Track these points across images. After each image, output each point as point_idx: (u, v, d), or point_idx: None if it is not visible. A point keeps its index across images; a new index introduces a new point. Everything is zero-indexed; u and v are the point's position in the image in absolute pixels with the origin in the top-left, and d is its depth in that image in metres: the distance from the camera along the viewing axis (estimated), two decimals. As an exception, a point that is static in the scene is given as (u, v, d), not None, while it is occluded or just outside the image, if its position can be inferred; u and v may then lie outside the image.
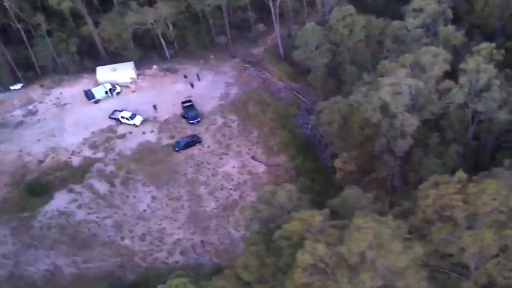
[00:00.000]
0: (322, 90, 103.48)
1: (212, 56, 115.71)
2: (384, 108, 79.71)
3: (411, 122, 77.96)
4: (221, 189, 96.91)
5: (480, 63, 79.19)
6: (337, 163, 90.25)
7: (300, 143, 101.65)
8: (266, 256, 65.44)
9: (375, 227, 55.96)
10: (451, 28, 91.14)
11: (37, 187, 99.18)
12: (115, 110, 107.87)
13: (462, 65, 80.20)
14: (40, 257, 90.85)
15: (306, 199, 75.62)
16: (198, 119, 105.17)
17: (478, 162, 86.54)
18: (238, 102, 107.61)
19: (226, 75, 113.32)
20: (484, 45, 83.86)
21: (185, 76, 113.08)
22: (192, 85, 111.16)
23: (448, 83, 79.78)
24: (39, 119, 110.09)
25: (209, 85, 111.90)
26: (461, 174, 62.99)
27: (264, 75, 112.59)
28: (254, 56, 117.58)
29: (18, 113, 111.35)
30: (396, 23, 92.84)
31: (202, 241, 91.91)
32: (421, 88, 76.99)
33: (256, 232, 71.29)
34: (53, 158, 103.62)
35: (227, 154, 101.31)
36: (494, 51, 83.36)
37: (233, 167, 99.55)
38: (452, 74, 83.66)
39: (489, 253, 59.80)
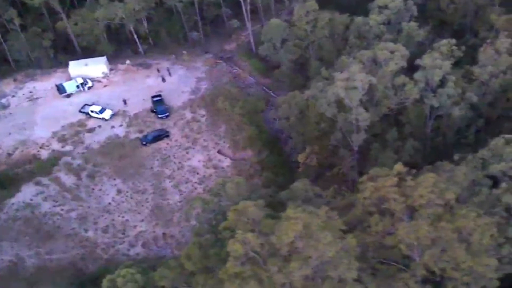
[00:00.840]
0: (290, 86, 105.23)
1: (184, 52, 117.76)
2: (340, 103, 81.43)
3: (365, 117, 79.54)
4: (186, 183, 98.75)
5: (436, 59, 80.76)
6: (300, 157, 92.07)
7: (266, 138, 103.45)
8: (210, 246, 67.43)
9: (305, 218, 57.73)
10: (414, 24, 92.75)
11: (4, 179, 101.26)
12: (85, 104, 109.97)
13: (418, 61, 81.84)
14: (4, 249, 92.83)
15: (258, 192, 77.69)
16: (167, 114, 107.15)
17: (439, 158, 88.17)
18: (207, 97, 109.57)
19: (198, 71, 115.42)
20: (444, 41, 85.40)
21: (158, 70, 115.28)
22: (163, 79, 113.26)
23: (403, 78, 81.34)
24: (10, 113, 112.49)
25: (180, 80, 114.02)
26: (399, 168, 64.69)
27: (235, 71, 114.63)
28: (227, 51, 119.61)
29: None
30: (359, 19, 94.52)
31: (164, 234, 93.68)
32: (374, 83, 78.54)
33: (205, 223, 73.43)
34: (22, 151, 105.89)
35: (194, 148, 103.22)
36: (454, 47, 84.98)
37: (199, 161, 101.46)
38: (414, 70, 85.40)
39: (425, 244, 61.50)
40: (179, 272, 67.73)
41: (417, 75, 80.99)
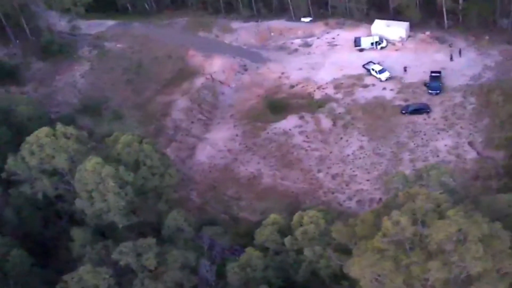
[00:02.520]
0: None
1: (487, 37, 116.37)
2: None
3: None
4: (423, 161, 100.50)
5: None
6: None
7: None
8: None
9: (463, 223, 58.69)
10: None
11: (279, 106, 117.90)
12: (370, 62, 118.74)
13: None
14: (253, 162, 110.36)
15: (457, 194, 77.61)
16: (438, 91, 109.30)
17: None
18: (485, 87, 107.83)
19: (489, 59, 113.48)
20: None
21: (450, 46, 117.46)
22: (451, 58, 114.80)
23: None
24: (309, 52, 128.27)
25: (467, 63, 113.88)
26: None
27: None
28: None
29: (297, 42, 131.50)
30: None
31: (380, 199, 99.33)
32: None
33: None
34: (302, 87, 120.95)
35: (447, 131, 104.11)
36: None
37: (445, 145, 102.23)
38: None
39: None
40: (352, 232, 73.60)
41: None
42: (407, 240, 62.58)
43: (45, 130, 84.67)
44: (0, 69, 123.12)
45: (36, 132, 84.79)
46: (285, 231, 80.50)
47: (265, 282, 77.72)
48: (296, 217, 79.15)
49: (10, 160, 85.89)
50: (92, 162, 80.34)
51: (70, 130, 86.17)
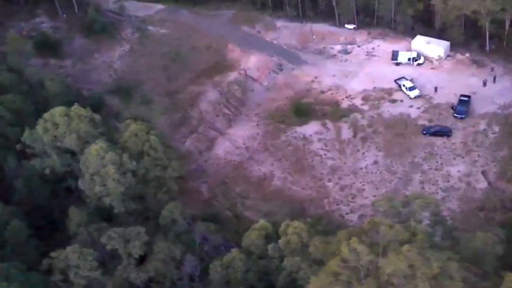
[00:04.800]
0: None
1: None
2: None
3: None
4: (432, 184, 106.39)
5: None
6: None
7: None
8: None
9: (415, 261, 65.33)
10: None
11: (303, 110, 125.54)
12: (403, 77, 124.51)
13: None
14: (266, 163, 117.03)
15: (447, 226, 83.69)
16: (463, 116, 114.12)
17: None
18: (511, 118, 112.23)
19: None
20: None
21: (491, 70, 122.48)
22: (484, 83, 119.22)
23: None
24: (347, 59, 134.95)
25: (500, 91, 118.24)
26: None
27: None
28: None
29: (337, 48, 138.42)
30: None
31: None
32: None
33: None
34: (331, 93, 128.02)
35: (462, 158, 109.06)
36: None
37: (458, 171, 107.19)
38: None
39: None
40: (327, 249, 78.66)
41: None
42: (363, 268, 69.50)
43: (60, 109, 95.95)
44: (43, 41, 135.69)
45: (51, 110, 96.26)
46: (272, 237, 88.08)
47: (245, 284, 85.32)
48: (283, 226, 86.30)
49: (26, 133, 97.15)
50: (96, 147, 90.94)
51: (84, 112, 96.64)
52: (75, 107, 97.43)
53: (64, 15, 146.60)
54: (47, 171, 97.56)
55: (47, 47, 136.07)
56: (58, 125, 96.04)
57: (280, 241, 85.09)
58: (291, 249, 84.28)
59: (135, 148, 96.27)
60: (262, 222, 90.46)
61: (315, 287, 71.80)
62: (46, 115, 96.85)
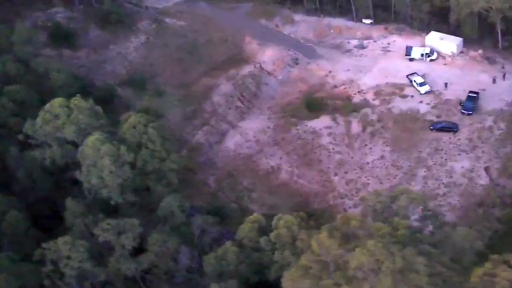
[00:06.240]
0: None
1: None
2: None
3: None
4: (435, 179, 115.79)
5: None
6: None
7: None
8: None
9: (378, 253, 73.03)
10: None
11: (315, 104, 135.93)
12: (414, 73, 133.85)
13: None
14: (275, 155, 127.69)
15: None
16: (471, 112, 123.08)
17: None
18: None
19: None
20: None
21: (502, 67, 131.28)
22: (494, 80, 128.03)
23: None
24: (362, 54, 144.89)
25: (509, 88, 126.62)
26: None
27: None
28: None
29: (353, 42, 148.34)
30: None
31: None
32: None
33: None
34: (344, 88, 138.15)
35: (467, 153, 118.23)
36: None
37: (462, 167, 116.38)
38: None
39: None
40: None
41: None
42: (332, 262, 77.92)
43: (59, 100, 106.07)
44: (57, 32, 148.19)
45: (51, 102, 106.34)
46: (265, 230, 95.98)
47: (238, 276, 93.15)
48: (275, 219, 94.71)
49: (28, 124, 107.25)
50: (92, 138, 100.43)
51: (84, 104, 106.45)
52: (75, 99, 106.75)
53: (81, 6, 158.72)
54: (47, 162, 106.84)
55: (61, 37, 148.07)
56: (58, 116, 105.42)
57: (271, 234, 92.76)
58: (282, 242, 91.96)
59: (133, 140, 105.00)
60: (255, 215, 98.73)
61: (287, 281, 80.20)
62: (47, 106, 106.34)
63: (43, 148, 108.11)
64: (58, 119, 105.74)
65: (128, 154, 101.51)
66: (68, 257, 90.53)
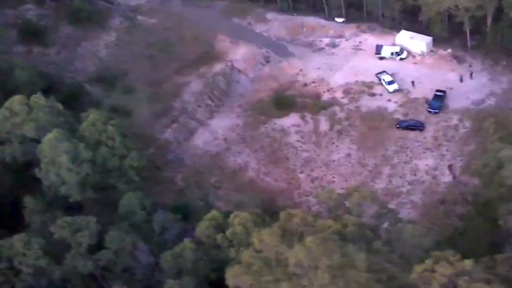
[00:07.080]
0: None
1: (504, 63, 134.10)
2: None
3: None
4: (400, 177, 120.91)
5: None
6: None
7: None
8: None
9: (315, 250, 76.27)
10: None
11: (284, 102, 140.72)
12: (383, 71, 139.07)
13: None
14: (243, 154, 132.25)
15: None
16: (437, 111, 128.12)
17: None
18: (482, 113, 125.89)
19: (498, 85, 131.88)
20: None
21: (470, 66, 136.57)
22: (461, 79, 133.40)
23: None
24: (333, 52, 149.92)
25: (475, 86, 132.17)
26: None
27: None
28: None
29: (325, 41, 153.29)
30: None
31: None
32: None
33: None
34: (314, 86, 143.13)
35: (432, 151, 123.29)
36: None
37: (426, 164, 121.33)
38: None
39: None
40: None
41: None
42: (273, 259, 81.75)
43: (18, 98, 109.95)
44: (27, 28, 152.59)
45: (11, 99, 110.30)
46: (223, 228, 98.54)
47: (197, 273, 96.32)
48: (231, 217, 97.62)
49: None
50: (50, 136, 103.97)
51: (43, 101, 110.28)
52: (35, 96, 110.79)
53: (52, 3, 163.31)
54: (8, 159, 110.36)
55: (32, 34, 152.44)
56: (17, 114, 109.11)
57: (227, 231, 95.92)
58: (238, 239, 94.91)
59: (92, 137, 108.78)
60: (213, 212, 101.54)
61: (230, 277, 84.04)
62: (6, 103, 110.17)
63: (3, 145, 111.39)
64: (18, 116, 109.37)
65: (86, 152, 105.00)
66: (23, 254, 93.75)
